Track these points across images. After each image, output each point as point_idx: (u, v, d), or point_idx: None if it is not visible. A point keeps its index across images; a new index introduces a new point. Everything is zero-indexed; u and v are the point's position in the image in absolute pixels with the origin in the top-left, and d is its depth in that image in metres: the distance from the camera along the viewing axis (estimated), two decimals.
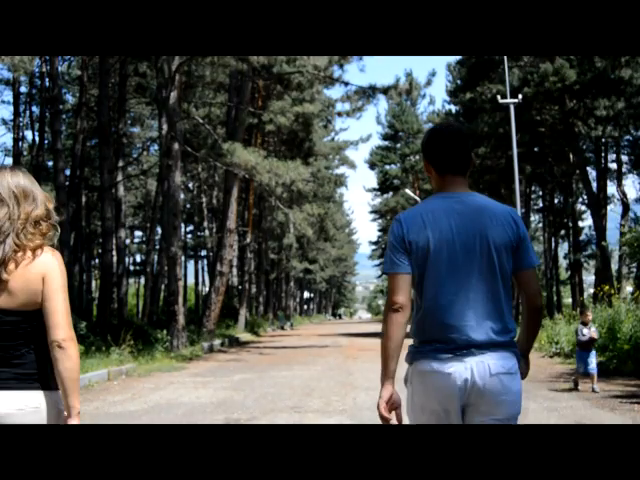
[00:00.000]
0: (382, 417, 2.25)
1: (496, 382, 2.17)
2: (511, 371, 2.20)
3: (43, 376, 2.03)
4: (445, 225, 2.21)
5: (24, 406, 2.03)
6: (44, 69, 22.44)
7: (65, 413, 2.11)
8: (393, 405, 2.25)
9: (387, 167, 56.76)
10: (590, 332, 8.50)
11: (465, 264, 2.20)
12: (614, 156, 32.35)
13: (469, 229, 2.22)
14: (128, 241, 37.44)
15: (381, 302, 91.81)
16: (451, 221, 2.22)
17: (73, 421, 2.11)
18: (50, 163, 28.92)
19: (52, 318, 1.98)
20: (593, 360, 8.44)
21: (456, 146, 2.32)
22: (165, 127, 17.76)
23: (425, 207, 2.31)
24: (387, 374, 2.25)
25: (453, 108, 37.95)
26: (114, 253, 21.75)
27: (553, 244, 39.13)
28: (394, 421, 2.29)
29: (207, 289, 29.97)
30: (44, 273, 2.01)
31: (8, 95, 31.58)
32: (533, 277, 2.31)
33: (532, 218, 42.27)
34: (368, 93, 20.83)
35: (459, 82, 33.17)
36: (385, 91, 19.78)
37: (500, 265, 2.21)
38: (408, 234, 2.23)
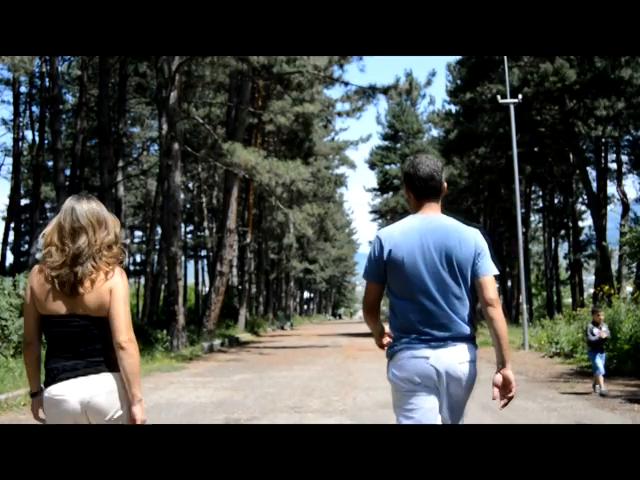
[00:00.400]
0: (380, 347, 2.88)
1: (462, 369, 2.66)
2: (473, 360, 2.70)
3: (109, 364, 2.44)
4: (417, 241, 2.68)
5: (109, 388, 2.45)
6: (44, 69, 22.43)
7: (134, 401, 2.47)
8: (384, 336, 2.85)
9: (387, 167, 56.70)
10: (600, 332, 8.31)
11: (434, 273, 2.66)
12: (614, 156, 32.34)
13: (438, 245, 2.68)
14: (128, 241, 37.43)
15: None
16: (423, 238, 2.69)
17: (136, 408, 2.46)
18: (50, 163, 28.89)
19: (115, 323, 2.43)
20: (602, 361, 8.23)
21: (431, 177, 2.79)
22: (165, 127, 17.76)
23: (402, 225, 2.78)
24: (375, 332, 2.88)
25: (453, 108, 37.96)
26: None
27: (553, 244, 39.12)
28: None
29: (207, 289, 29.96)
30: (111, 288, 2.45)
31: (8, 95, 31.57)
32: (489, 284, 2.70)
33: (532, 218, 42.26)
34: (368, 93, 20.82)
35: (459, 82, 33.17)
36: (385, 91, 19.77)
37: (462, 275, 2.68)
38: (386, 249, 2.70)
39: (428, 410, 2.69)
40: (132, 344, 2.43)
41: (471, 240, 2.73)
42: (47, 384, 2.45)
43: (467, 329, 2.70)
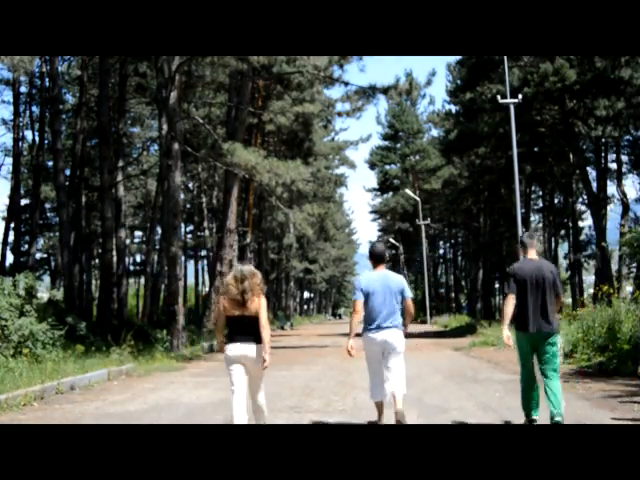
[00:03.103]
0: (348, 353, 6.00)
1: (392, 339, 5.80)
2: (400, 336, 5.85)
3: (257, 340, 5.18)
4: (376, 282, 5.88)
5: (256, 349, 5.16)
6: (44, 69, 22.43)
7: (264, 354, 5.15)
8: (353, 348, 5.93)
9: (387, 167, 56.70)
10: None
11: (383, 297, 5.82)
12: (614, 156, 32.33)
13: (385, 284, 5.86)
14: (128, 241, 37.39)
15: None
16: (379, 281, 5.88)
17: (266, 355, 5.11)
18: (50, 163, 28.84)
19: (260, 317, 5.19)
20: None
21: (381, 253, 6.09)
22: (165, 127, 17.74)
23: (369, 274, 6.07)
24: (350, 337, 5.90)
25: (453, 108, 37.95)
26: (114, 253, 21.74)
27: (553, 244, 39.11)
28: (354, 353, 5.98)
29: (207, 289, 29.95)
30: (260, 303, 5.23)
31: (8, 95, 31.57)
32: (409, 303, 5.98)
33: (532, 218, 42.21)
34: (368, 93, 20.80)
35: (459, 82, 33.17)
36: (385, 91, 19.75)
37: (396, 297, 5.86)
38: (363, 286, 5.89)
39: (376, 358, 5.95)
40: (267, 327, 5.22)
41: (400, 281, 6.01)
42: (228, 342, 5.27)
43: (397, 323, 5.89)
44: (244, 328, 5.22)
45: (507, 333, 5.87)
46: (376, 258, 6.03)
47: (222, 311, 5.36)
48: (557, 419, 5.51)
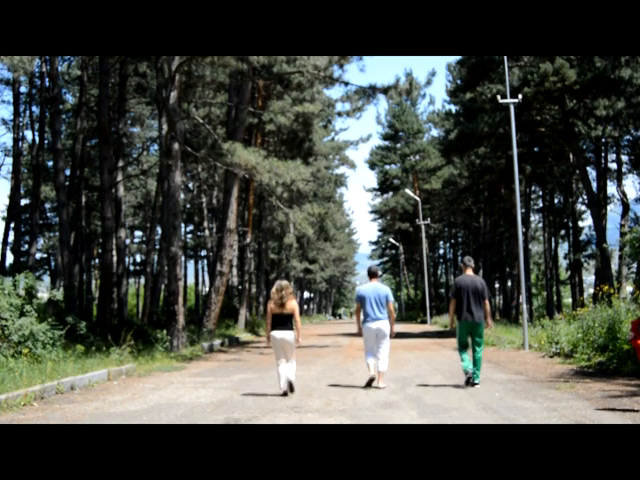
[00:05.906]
0: (358, 334, 9.30)
1: (383, 327, 8.93)
2: (387, 325, 8.97)
3: (291, 328, 8.49)
4: (368, 291, 9.07)
5: (291, 334, 8.45)
6: (44, 69, 22.43)
7: (298, 339, 8.57)
8: (361, 330, 9.13)
9: (387, 167, 56.68)
10: None
11: (375, 301, 8.98)
12: (614, 156, 32.34)
13: (375, 292, 9.03)
14: (128, 241, 37.40)
15: None
16: (370, 290, 9.08)
17: (300, 338, 8.56)
18: (50, 163, 28.87)
19: (295, 314, 8.56)
20: None
21: (375, 271, 9.39)
22: (165, 127, 17.73)
23: (365, 285, 9.33)
24: (358, 326, 9.25)
25: (453, 108, 37.99)
26: (114, 253, 21.73)
27: (553, 244, 39.11)
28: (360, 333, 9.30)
29: (207, 289, 29.93)
30: (293, 303, 8.57)
31: (8, 95, 31.62)
32: (390, 305, 9.09)
33: (532, 218, 42.22)
34: (368, 93, 20.78)
35: (459, 82, 33.20)
36: (385, 91, 19.74)
37: (382, 301, 9.00)
38: (360, 293, 9.19)
39: (370, 339, 8.91)
40: (299, 320, 8.54)
41: (385, 290, 9.05)
42: (272, 330, 8.45)
43: (384, 316, 8.92)
44: (282, 321, 8.39)
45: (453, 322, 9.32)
46: (371, 274, 9.25)
47: (269, 311, 8.48)
48: (476, 381, 8.80)
